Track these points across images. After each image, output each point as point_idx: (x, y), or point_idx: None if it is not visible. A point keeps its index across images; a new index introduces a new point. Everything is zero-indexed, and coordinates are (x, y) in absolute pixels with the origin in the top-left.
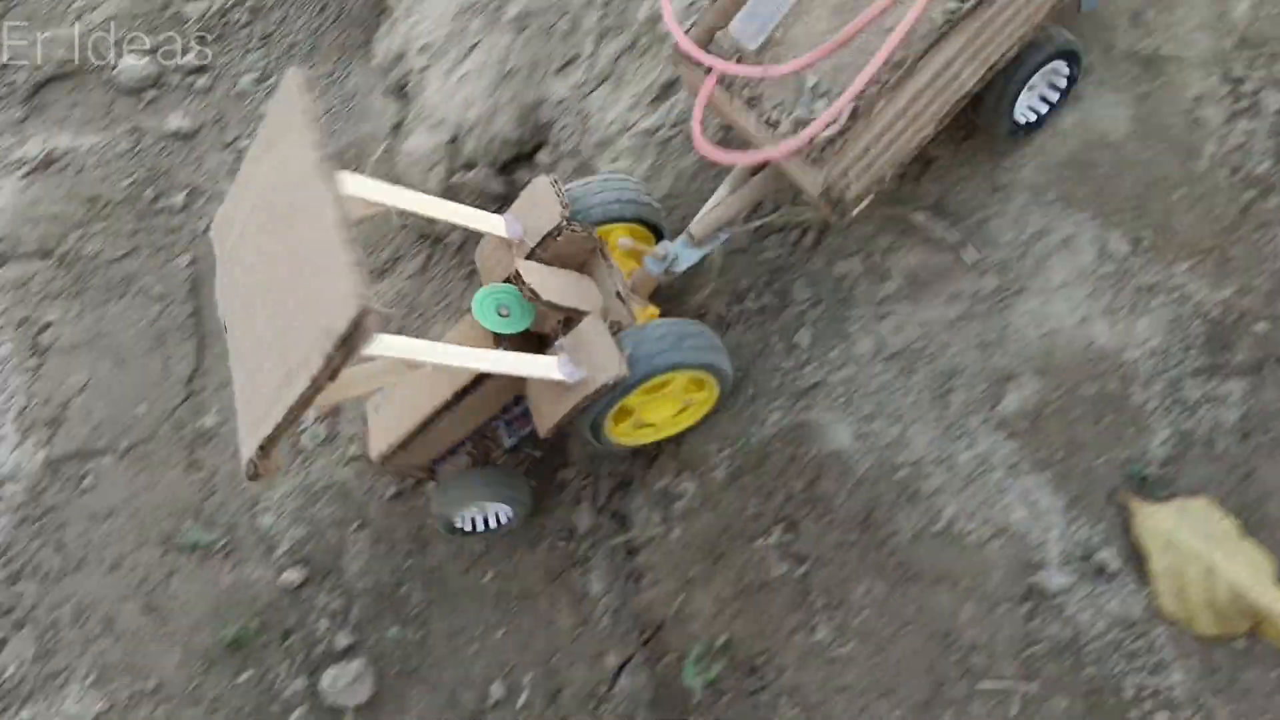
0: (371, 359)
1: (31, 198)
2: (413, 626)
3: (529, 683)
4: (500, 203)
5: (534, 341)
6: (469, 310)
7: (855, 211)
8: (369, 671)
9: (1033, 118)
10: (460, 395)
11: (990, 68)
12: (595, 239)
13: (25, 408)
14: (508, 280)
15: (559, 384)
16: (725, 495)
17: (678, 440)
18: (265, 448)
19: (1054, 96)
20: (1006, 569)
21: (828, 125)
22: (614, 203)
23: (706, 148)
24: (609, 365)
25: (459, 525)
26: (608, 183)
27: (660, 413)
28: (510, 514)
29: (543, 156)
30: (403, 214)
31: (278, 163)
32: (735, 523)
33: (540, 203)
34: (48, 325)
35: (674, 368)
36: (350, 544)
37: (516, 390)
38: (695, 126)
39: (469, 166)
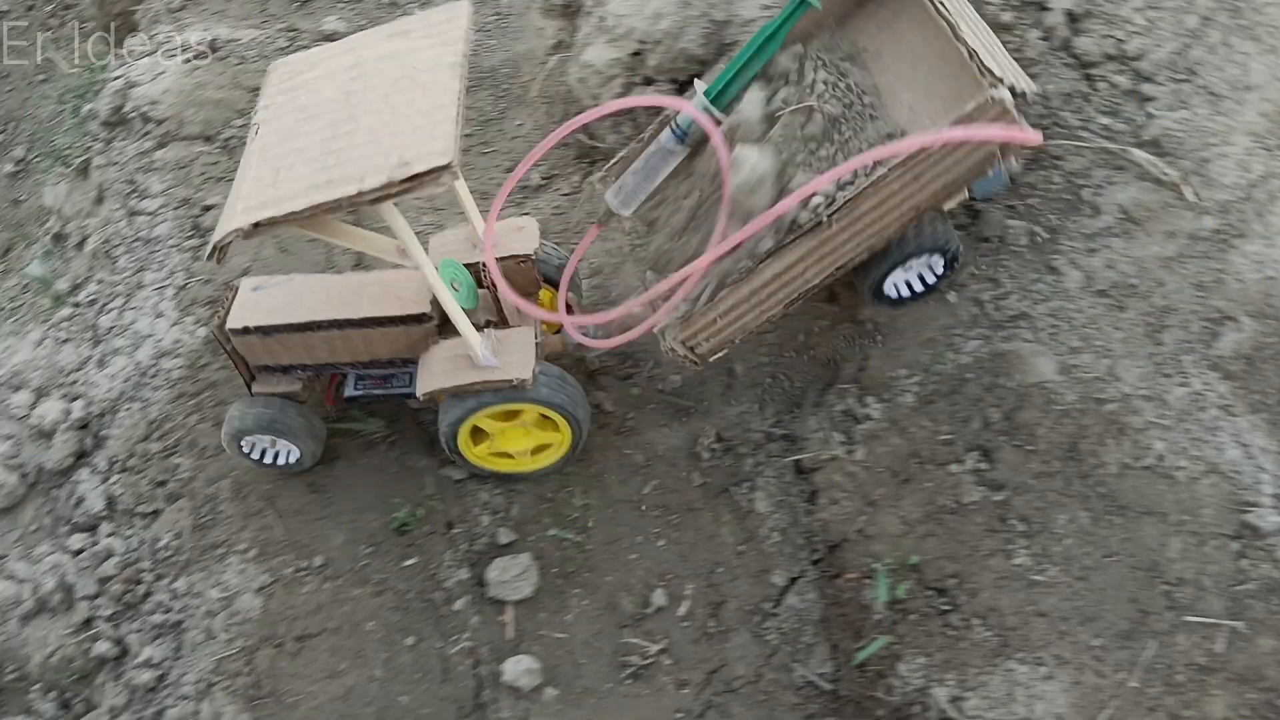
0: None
1: (196, 82)
2: (572, 529)
3: (691, 593)
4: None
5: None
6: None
7: (712, 359)
8: (534, 567)
9: (907, 294)
10: (365, 323)
11: (838, 268)
12: (538, 283)
13: (185, 285)
14: (471, 266)
15: (464, 360)
16: (914, 420)
17: (860, 364)
18: (260, 226)
19: (930, 279)
20: (1217, 506)
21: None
22: (555, 268)
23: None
24: (521, 369)
25: (245, 450)
26: (556, 251)
27: (518, 444)
28: (298, 457)
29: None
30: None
31: (406, 50)
32: (925, 447)
33: (524, 231)
34: (209, 207)
35: (550, 405)
36: None
37: (409, 351)
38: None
39: (649, 81)
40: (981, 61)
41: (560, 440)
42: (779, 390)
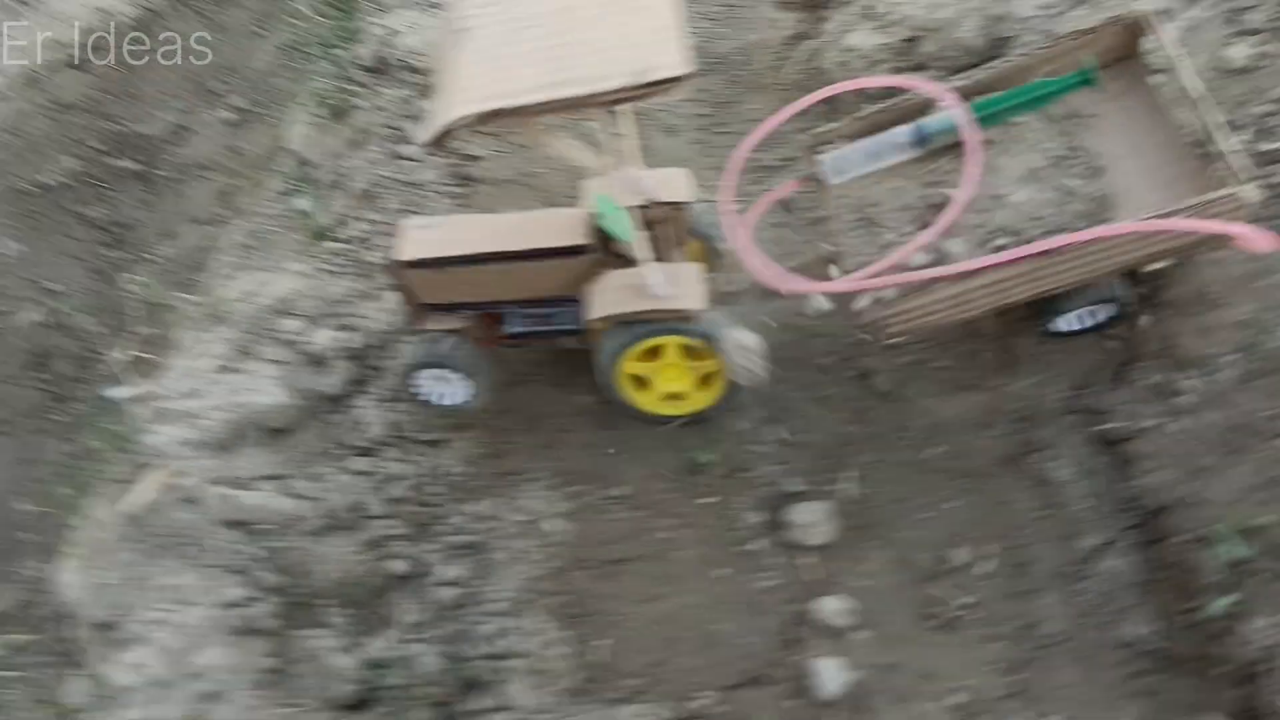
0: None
1: None
2: (857, 485)
3: (992, 553)
4: None
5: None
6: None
7: (888, 343)
8: (833, 515)
9: (1072, 329)
10: (530, 254)
11: (1038, 293)
12: (690, 234)
13: None
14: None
15: (635, 289)
16: (1237, 395)
17: (1165, 342)
18: (485, 117)
19: (1091, 323)
20: None
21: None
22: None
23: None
24: (694, 299)
25: (416, 387)
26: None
27: (680, 382)
28: (467, 396)
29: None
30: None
31: None
32: (1253, 421)
33: (675, 181)
34: (471, 156)
35: (706, 337)
36: (797, 403)
37: (569, 287)
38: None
39: (920, 67)
40: (1227, 159)
41: (717, 366)
42: (1070, 366)
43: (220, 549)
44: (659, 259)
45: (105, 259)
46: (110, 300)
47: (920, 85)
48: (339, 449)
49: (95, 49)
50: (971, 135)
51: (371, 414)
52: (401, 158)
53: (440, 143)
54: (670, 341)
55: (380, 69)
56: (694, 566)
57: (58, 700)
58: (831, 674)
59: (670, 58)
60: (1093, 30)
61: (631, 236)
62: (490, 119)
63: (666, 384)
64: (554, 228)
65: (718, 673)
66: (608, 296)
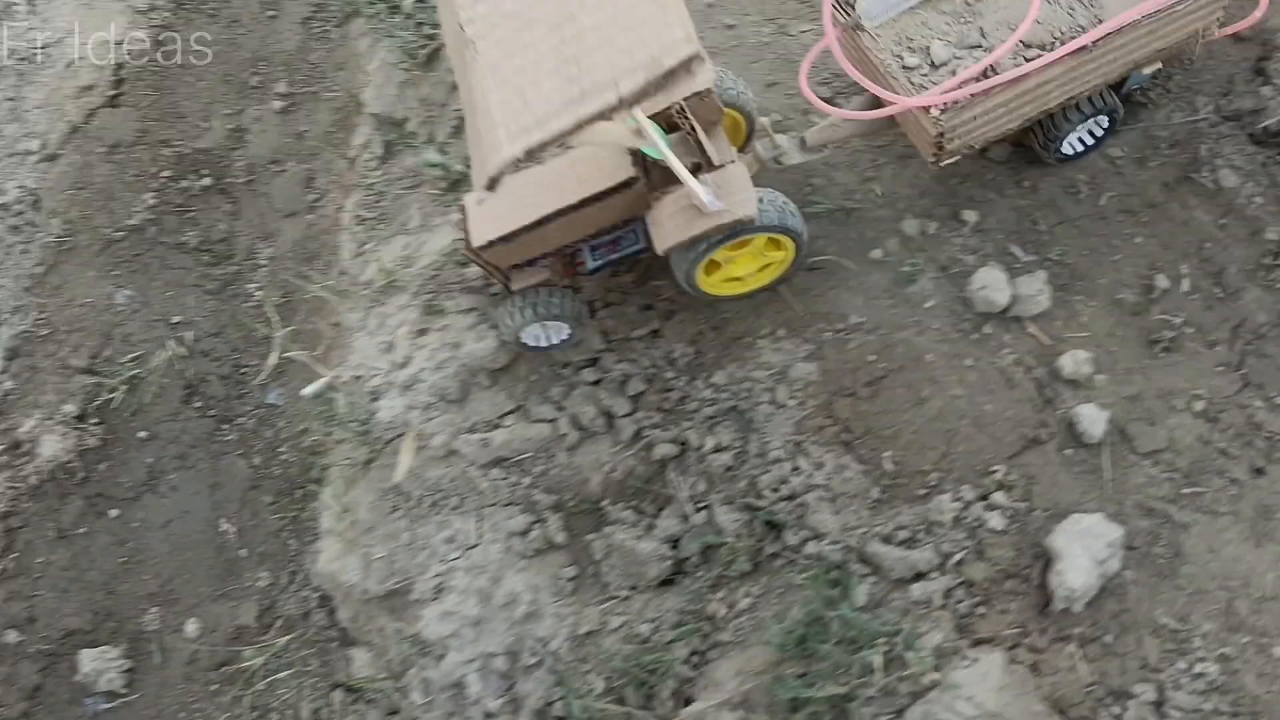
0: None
1: None
2: (1045, 249)
3: (1188, 271)
4: None
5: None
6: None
7: (945, 163)
8: (1048, 284)
9: (1081, 149)
10: (586, 203)
11: (1069, 98)
12: (722, 112)
13: None
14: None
15: (690, 210)
16: None
17: None
18: (531, 152)
19: (1094, 140)
20: None
21: (962, 85)
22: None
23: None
24: (746, 206)
25: (525, 342)
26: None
27: (745, 267)
28: (568, 334)
29: None
30: None
31: None
32: None
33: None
34: None
35: (782, 230)
36: (965, 195)
37: (628, 213)
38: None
39: None
40: None
41: (784, 256)
42: (1202, 83)
43: (489, 489)
44: (702, 157)
45: (215, 277)
46: (236, 314)
47: None
48: (564, 368)
49: (123, 82)
50: None
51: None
52: None
53: (493, 186)
54: (759, 237)
55: None
56: (943, 364)
57: (343, 679)
58: (1092, 417)
59: (679, 33)
60: None
61: (666, 154)
62: (534, 154)
63: (734, 269)
64: (600, 168)
65: (999, 446)
66: (667, 226)
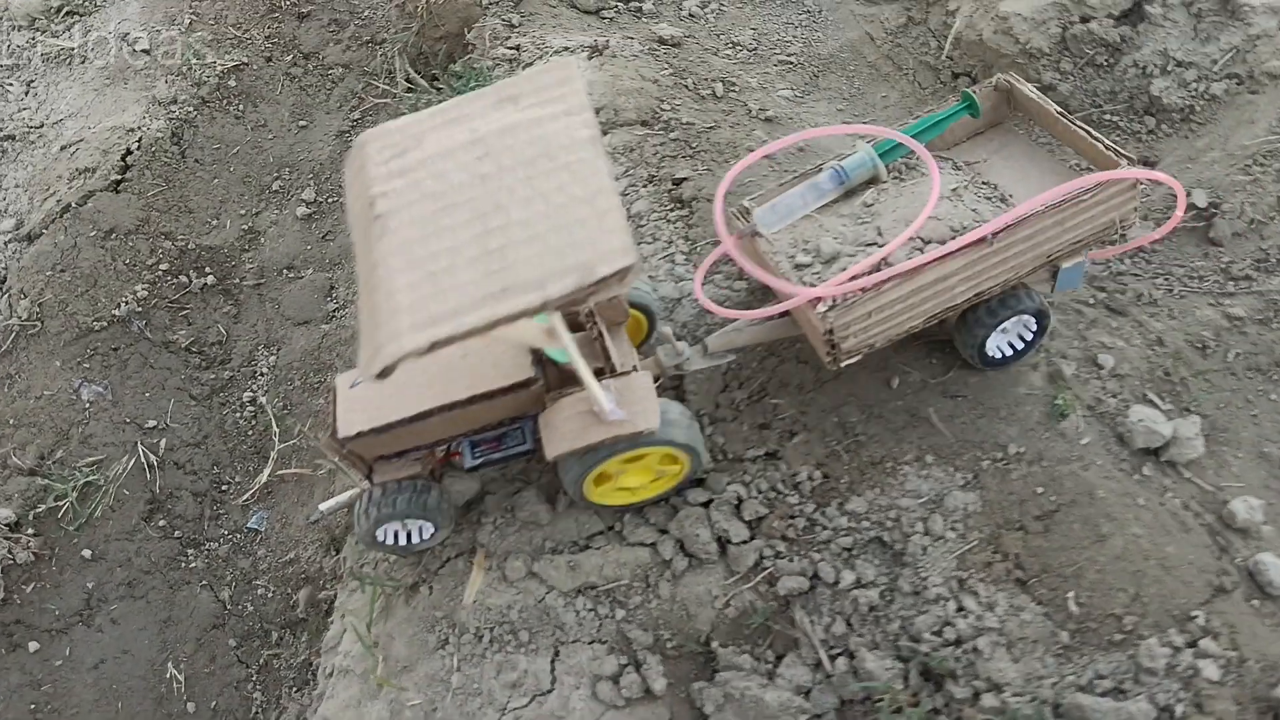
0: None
1: (609, 75)
2: (1180, 399)
3: None
4: (1115, 53)
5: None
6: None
7: (844, 364)
8: (1197, 431)
9: (1010, 354)
10: (476, 399)
11: (978, 295)
12: (626, 313)
13: (689, 251)
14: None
15: (587, 416)
16: None
17: None
18: (436, 346)
19: (1024, 344)
20: None
21: (853, 279)
22: (636, 290)
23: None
24: (649, 417)
25: (381, 539)
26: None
27: (637, 479)
28: (433, 531)
29: (1154, 9)
30: None
31: (526, 122)
32: None
33: None
34: (679, 180)
35: (680, 446)
36: (1095, 341)
37: (518, 411)
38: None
39: (1085, 20)
40: (1109, 144)
41: (679, 469)
42: None
43: (573, 623)
44: (605, 362)
45: (204, 382)
46: (223, 423)
47: (866, 129)
48: None
49: (130, 168)
50: (920, 149)
51: None
52: None
53: (385, 376)
54: (655, 451)
55: None
56: (1116, 501)
57: None
58: (1277, 567)
59: (615, 241)
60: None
61: (574, 358)
62: (439, 346)
63: (626, 480)
64: (494, 363)
65: (1190, 591)
66: (561, 431)
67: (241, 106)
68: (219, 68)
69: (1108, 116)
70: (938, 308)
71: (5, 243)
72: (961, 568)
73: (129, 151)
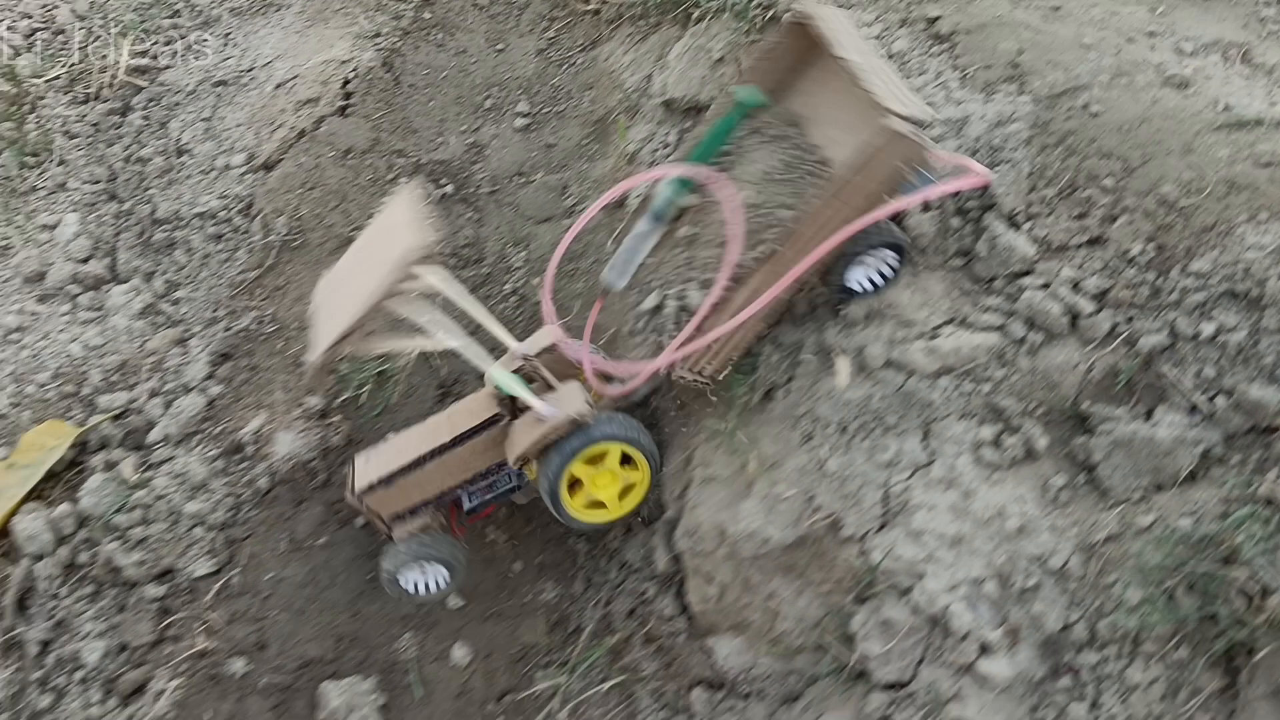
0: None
1: None
2: None
3: None
4: None
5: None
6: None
7: (720, 377)
8: None
9: (870, 288)
10: (455, 442)
11: (801, 286)
12: (575, 367)
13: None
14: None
15: (535, 424)
16: None
17: None
18: (334, 346)
19: (888, 273)
20: None
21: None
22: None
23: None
24: (579, 407)
25: (404, 586)
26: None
27: (607, 491)
28: (448, 577)
29: None
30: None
31: (381, 232)
32: None
33: (543, 336)
34: (935, 18)
35: (616, 439)
36: None
37: (498, 455)
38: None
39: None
40: (879, 100)
41: (642, 476)
42: None
43: (940, 401)
44: (545, 390)
45: (464, 279)
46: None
47: (653, 174)
48: (990, 281)
49: (351, 95)
50: (706, 176)
51: (1010, 239)
52: None
53: (315, 389)
54: (611, 448)
55: None
56: None
57: (705, 674)
58: None
59: (413, 241)
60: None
61: (524, 390)
62: (339, 347)
63: (597, 491)
64: (469, 411)
65: None
66: (514, 440)
67: (440, 35)
68: (413, 1)
69: None
70: (779, 309)
71: (241, 174)
72: None
73: (347, 81)
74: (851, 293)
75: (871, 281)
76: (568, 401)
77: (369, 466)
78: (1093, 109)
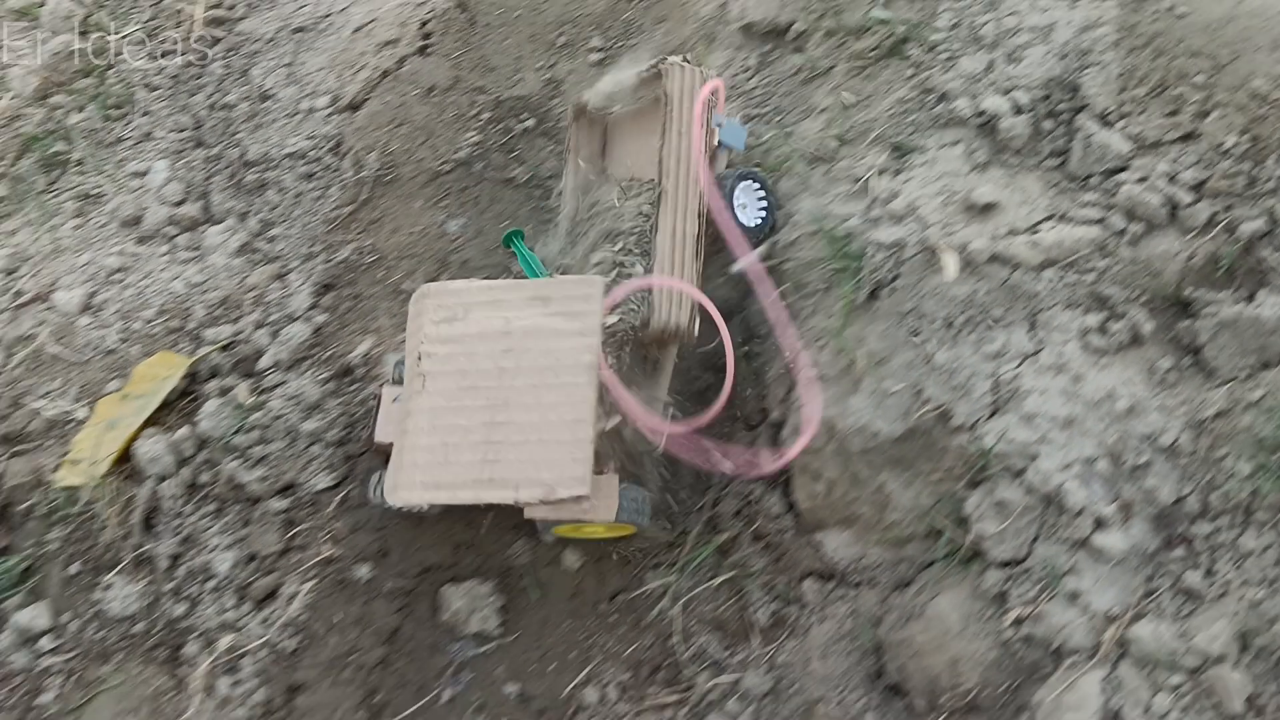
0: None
1: None
2: None
3: None
4: None
5: None
6: None
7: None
8: None
9: (760, 221)
10: None
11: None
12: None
13: None
14: None
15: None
16: None
17: None
18: (433, 507)
19: (765, 213)
20: None
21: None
22: None
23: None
24: (608, 511)
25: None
26: None
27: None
28: None
29: None
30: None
31: (549, 330)
32: None
33: None
34: None
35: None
36: None
37: None
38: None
39: None
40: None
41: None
42: None
43: (1045, 292)
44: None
45: (549, 210)
46: None
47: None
48: (1086, 179)
49: (430, 35)
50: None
51: (1104, 138)
52: None
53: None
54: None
55: None
56: None
57: (815, 565)
58: None
59: (576, 471)
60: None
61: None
62: (435, 506)
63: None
64: None
65: None
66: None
67: None
68: None
69: None
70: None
71: (327, 115)
72: None
73: (424, 22)
74: (759, 230)
75: (760, 215)
76: (603, 495)
77: (391, 419)
78: (1178, 10)
